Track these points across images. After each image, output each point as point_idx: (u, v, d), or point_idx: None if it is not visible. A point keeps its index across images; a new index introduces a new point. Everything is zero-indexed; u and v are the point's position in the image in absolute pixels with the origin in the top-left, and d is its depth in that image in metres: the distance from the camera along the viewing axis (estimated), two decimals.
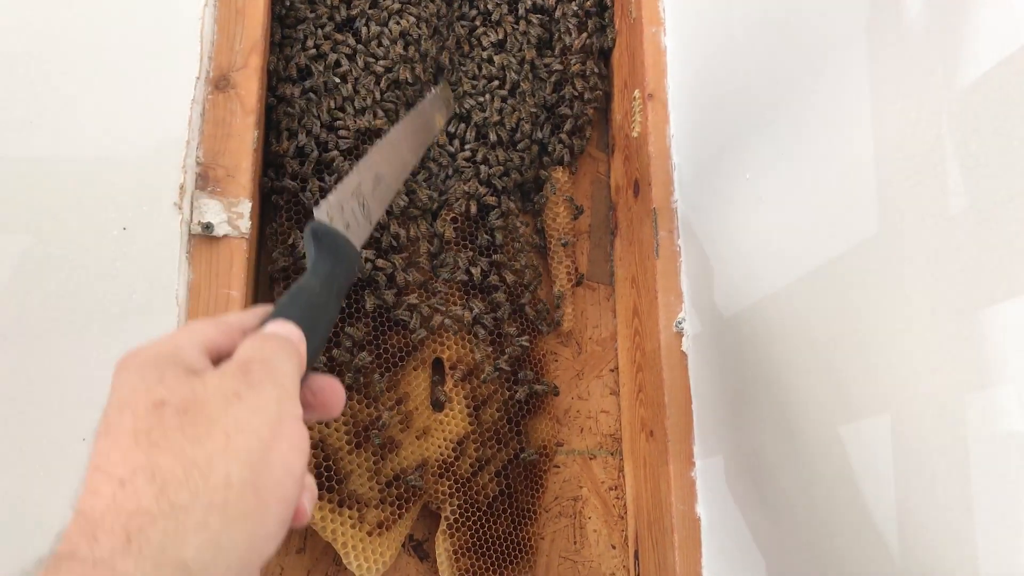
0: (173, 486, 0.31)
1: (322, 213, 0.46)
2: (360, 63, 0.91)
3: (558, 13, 1.02)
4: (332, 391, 0.41)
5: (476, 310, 0.90)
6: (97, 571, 0.29)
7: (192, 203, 0.76)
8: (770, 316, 0.69)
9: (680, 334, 0.84)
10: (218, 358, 0.37)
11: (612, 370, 0.99)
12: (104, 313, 0.70)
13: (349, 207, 0.48)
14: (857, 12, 0.57)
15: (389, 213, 0.87)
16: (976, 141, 0.46)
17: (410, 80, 0.93)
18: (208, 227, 0.75)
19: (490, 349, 0.91)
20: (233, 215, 0.77)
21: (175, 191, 0.75)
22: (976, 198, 0.46)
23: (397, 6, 0.94)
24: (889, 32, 0.54)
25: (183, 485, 0.31)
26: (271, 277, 0.87)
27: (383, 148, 0.55)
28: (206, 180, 0.77)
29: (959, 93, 0.47)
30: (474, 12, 1.01)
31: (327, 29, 0.92)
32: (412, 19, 0.94)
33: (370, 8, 0.93)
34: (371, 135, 0.89)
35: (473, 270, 0.91)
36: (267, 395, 0.35)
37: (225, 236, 0.76)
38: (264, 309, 0.41)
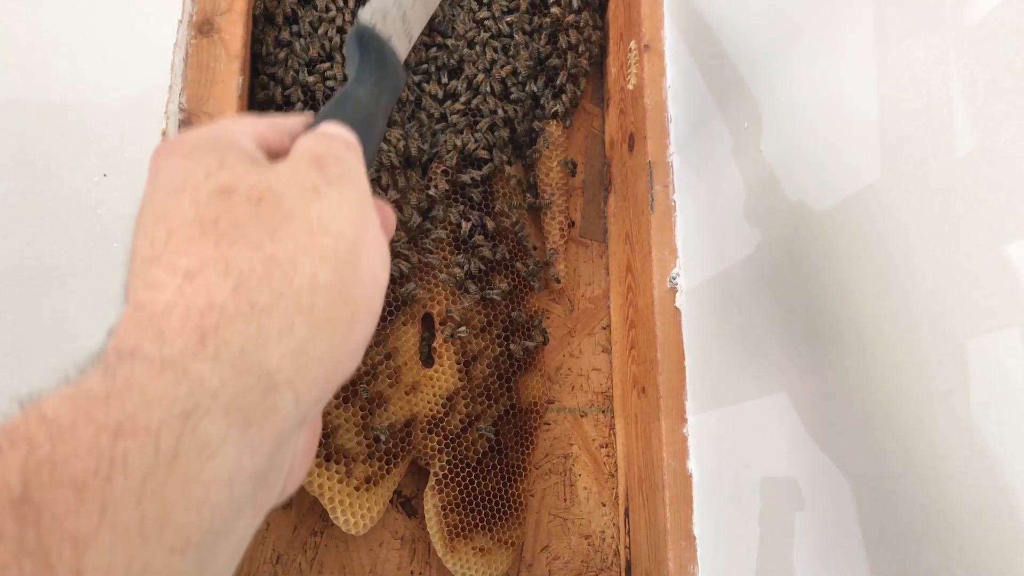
0: (252, 283, 0.26)
1: (367, 17, 0.41)
2: (350, 8, 0.89)
3: None
4: (388, 213, 0.36)
5: (467, 265, 0.89)
6: (166, 373, 0.24)
7: None
8: (766, 269, 0.68)
9: (674, 290, 0.82)
10: (269, 155, 0.32)
11: (604, 328, 0.98)
12: (85, 260, 0.69)
13: (392, 16, 0.43)
14: None
15: (380, 165, 0.85)
16: (984, 79, 0.44)
17: None
18: None
19: (480, 306, 0.90)
20: None
21: (157, 137, 0.73)
22: (983, 137, 0.44)
23: None
24: None
25: (264, 283, 0.27)
26: None
27: None
28: (189, 127, 0.75)
29: (967, 30, 0.46)
30: None
31: None
32: None
33: None
34: None
35: (464, 224, 0.89)
36: (348, 194, 0.30)
37: None
38: (306, 115, 0.36)
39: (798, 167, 0.64)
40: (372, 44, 0.41)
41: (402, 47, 0.43)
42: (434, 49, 0.95)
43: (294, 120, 0.35)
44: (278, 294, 0.27)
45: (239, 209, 0.28)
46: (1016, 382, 0.42)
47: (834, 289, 0.58)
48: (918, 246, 0.49)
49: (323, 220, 0.29)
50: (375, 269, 0.31)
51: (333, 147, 0.32)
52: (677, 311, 0.82)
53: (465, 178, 0.90)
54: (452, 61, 0.95)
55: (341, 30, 0.89)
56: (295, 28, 0.87)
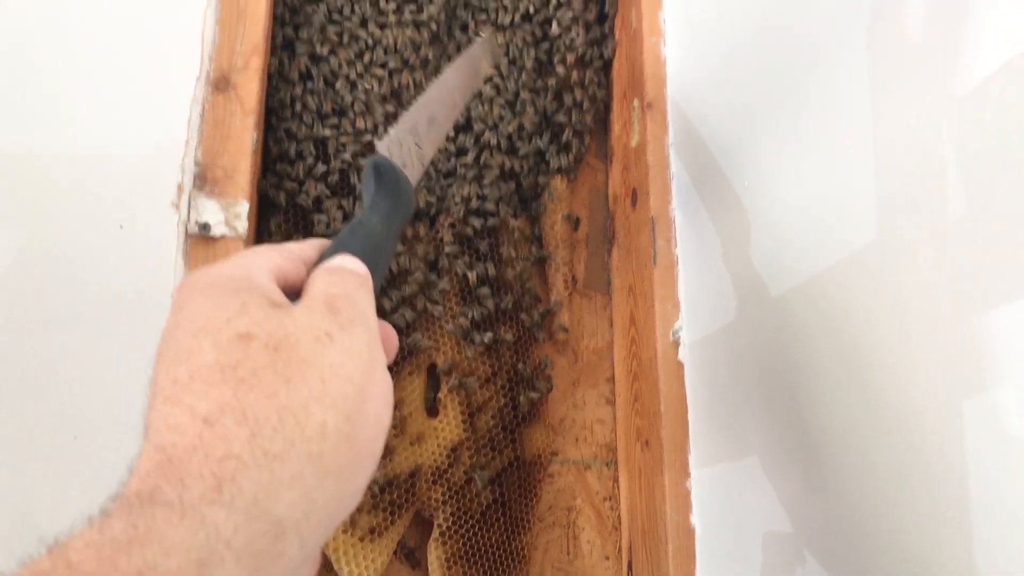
0: (267, 432, 0.28)
1: (384, 148, 0.45)
2: (361, 67, 0.92)
3: (556, 25, 1.02)
4: (390, 336, 0.38)
5: (472, 315, 0.90)
6: (185, 520, 0.26)
7: (190, 203, 0.76)
8: (767, 325, 0.69)
9: (677, 343, 0.83)
10: (286, 289, 0.34)
11: (608, 380, 0.99)
12: (98, 311, 0.70)
13: (407, 145, 0.46)
14: (857, 20, 0.58)
15: None
16: (975, 146, 0.46)
17: (411, 85, 0.93)
18: (205, 227, 0.75)
19: (486, 357, 0.91)
20: (230, 216, 0.77)
21: (173, 191, 0.75)
22: (975, 203, 0.46)
23: (396, 17, 0.94)
24: (889, 39, 0.54)
25: (277, 432, 0.28)
26: None
27: (437, 89, 0.53)
28: (204, 181, 0.77)
29: (959, 99, 0.47)
30: (473, 21, 1.02)
31: (329, 34, 0.92)
32: (413, 27, 0.94)
33: (372, 14, 0.94)
34: (368, 143, 0.89)
35: (470, 275, 0.91)
36: (359, 338, 0.32)
37: (222, 237, 0.76)
38: (321, 242, 0.38)
39: (798, 225, 0.65)
40: (387, 173, 0.44)
41: (415, 172, 0.46)
42: None
43: (310, 248, 0.38)
44: (291, 443, 0.28)
45: (258, 356, 0.29)
46: (1009, 440, 0.43)
47: (833, 346, 0.59)
48: (913, 307, 0.51)
49: (334, 367, 0.31)
50: (380, 412, 0.32)
51: (346, 286, 0.34)
52: (680, 364, 0.83)
53: (468, 230, 0.92)
54: (461, 118, 0.97)
55: (353, 85, 0.91)
56: (309, 85, 0.90)
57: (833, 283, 0.59)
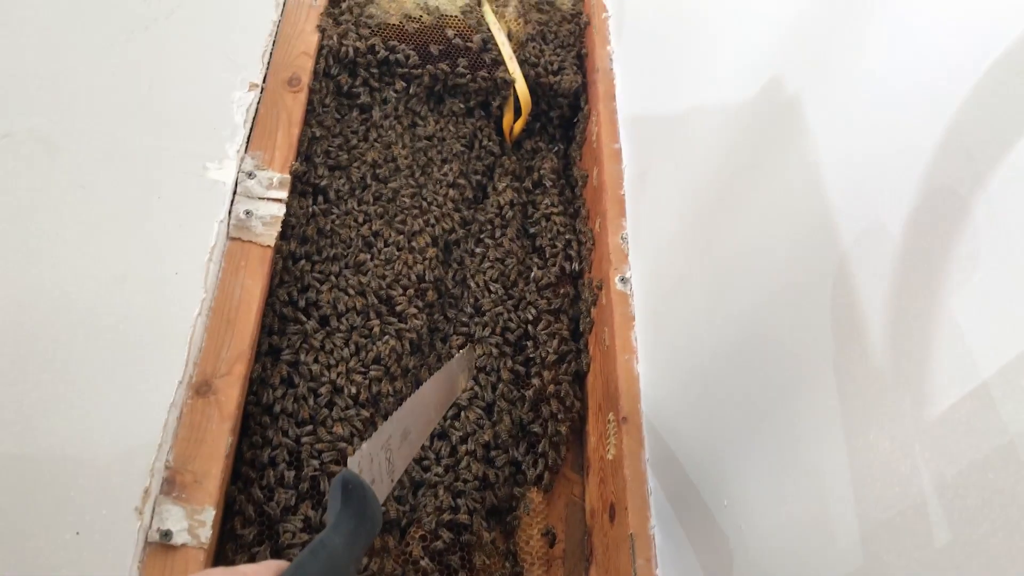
0: None
1: (354, 463, 0.44)
2: (347, 364, 0.94)
3: (533, 335, 1.07)
4: None
5: None
6: None
7: (154, 508, 0.73)
8: None
9: None
10: None
11: None
12: None
13: (378, 460, 0.46)
14: (822, 342, 0.61)
15: None
16: (951, 472, 0.47)
17: (391, 393, 0.94)
18: (167, 535, 0.72)
19: None
20: (195, 523, 0.73)
21: (139, 495, 0.72)
22: (959, 531, 0.45)
23: (379, 331, 0.98)
24: (855, 362, 0.57)
25: None
26: None
27: (412, 403, 0.54)
28: (172, 485, 0.75)
29: (928, 424, 0.49)
30: (452, 331, 1.07)
31: (316, 342, 0.95)
32: (395, 342, 0.98)
33: (359, 324, 0.98)
34: (343, 450, 0.88)
35: None
36: None
37: (183, 545, 0.72)
38: (278, 565, 0.37)
39: (781, 552, 0.63)
40: (355, 490, 0.44)
41: (384, 488, 0.47)
42: None
43: (265, 571, 0.37)
44: None
45: None
46: None
47: None
48: None
49: None
50: None
51: None
52: None
53: (439, 544, 0.88)
54: (440, 427, 0.98)
55: (338, 390, 0.92)
56: (290, 391, 0.91)
57: None
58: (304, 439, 0.88)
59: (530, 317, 1.09)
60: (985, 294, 0.47)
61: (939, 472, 0.48)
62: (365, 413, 0.92)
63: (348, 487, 0.43)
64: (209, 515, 0.74)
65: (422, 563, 0.87)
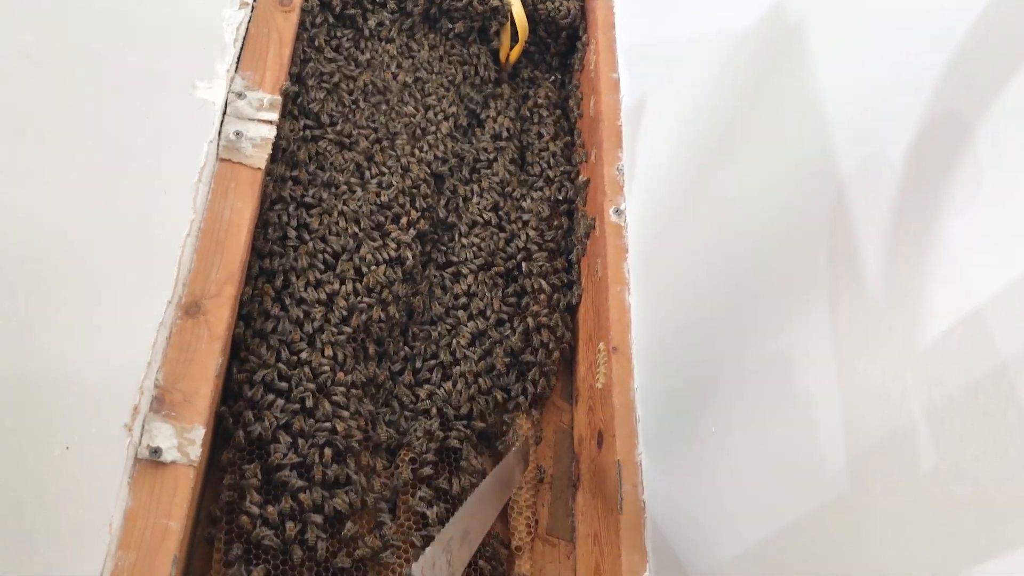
0: None
1: (418, 570, 0.45)
2: (331, 302, 0.93)
3: (525, 268, 1.06)
4: None
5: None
6: None
7: (144, 426, 0.73)
8: None
9: None
10: None
11: None
12: (25, 539, 0.65)
13: (440, 564, 0.47)
14: (817, 271, 0.60)
15: (347, 449, 0.84)
16: (941, 397, 0.47)
17: (383, 319, 0.94)
18: (156, 452, 0.72)
19: None
20: (184, 441, 0.74)
21: (128, 412, 0.72)
22: (947, 454, 0.46)
23: (371, 258, 0.97)
24: (849, 290, 0.57)
25: None
26: (210, 515, 0.82)
27: (473, 503, 0.55)
28: (161, 403, 0.75)
29: (921, 351, 0.49)
30: (445, 259, 1.06)
31: (306, 266, 0.94)
32: (386, 269, 0.97)
33: (350, 249, 0.97)
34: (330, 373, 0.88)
35: (428, 512, 0.87)
36: None
37: (173, 462, 0.73)
38: None
39: (768, 473, 0.64)
40: None
41: None
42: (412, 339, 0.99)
43: None
44: None
45: None
46: None
47: None
48: (891, 562, 0.49)
49: None
50: None
51: None
52: None
53: (428, 468, 0.89)
54: (429, 351, 0.98)
55: (329, 314, 0.92)
56: (281, 313, 0.90)
57: (809, 535, 0.57)
58: (295, 361, 0.87)
59: (522, 247, 1.08)
60: (985, 220, 0.47)
61: (929, 398, 0.48)
62: (357, 338, 0.92)
63: None
64: (199, 434, 0.74)
65: (411, 484, 0.88)
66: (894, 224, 0.54)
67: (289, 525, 0.78)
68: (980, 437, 0.43)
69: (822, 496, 0.56)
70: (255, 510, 0.78)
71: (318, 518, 0.79)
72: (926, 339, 0.48)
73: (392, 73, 1.16)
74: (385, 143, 1.09)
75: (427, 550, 0.46)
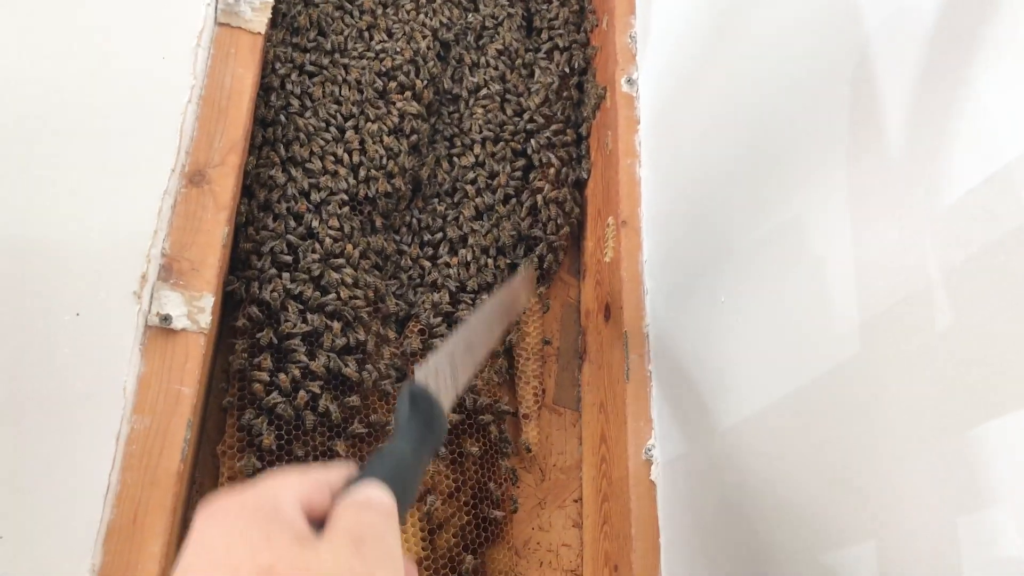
0: None
1: (421, 376, 0.45)
2: (337, 173, 0.92)
3: (533, 142, 1.04)
4: (412, 573, 0.38)
5: None
6: None
7: (152, 294, 0.73)
8: (743, 443, 0.67)
9: (649, 462, 0.81)
10: (311, 517, 0.34)
11: (576, 500, 0.95)
12: (43, 402, 0.66)
13: (443, 372, 0.47)
14: (836, 133, 0.59)
15: (356, 319, 0.84)
16: (960, 258, 0.46)
17: (389, 191, 0.93)
18: (166, 319, 0.72)
19: (449, 471, 0.87)
20: (194, 309, 0.74)
21: (136, 280, 0.72)
22: (962, 314, 0.45)
23: (376, 128, 0.95)
24: (869, 152, 0.55)
25: None
26: (229, 375, 0.83)
27: (477, 317, 0.55)
28: (169, 272, 0.75)
29: (941, 212, 0.48)
30: (452, 132, 1.04)
31: (310, 135, 0.92)
32: (391, 140, 0.95)
33: (355, 116, 0.95)
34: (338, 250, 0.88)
35: None
36: None
37: (183, 330, 0.73)
38: (348, 467, 0.38)
39: (777, 339, 0.64)
40: (423, 402, 0.44)
41: (449, 399, 0.47)
42: (419, 213, 0.98)
43: (336, 474, 0.37)
44: None
45: None
46: (1006, 562, 0.41)
47: (814, 462, 0.57)
48: (900, 421, 0.49)
49: None
50: None
51: (373, 523, 0.34)
52: (652, 484, 0.80)
53: (437, 339, 0.90)
54: (436, 223, 0.97)
55: (335, 185, 0.90)
56: (288, 183, 0.89)
57: (815, 399, 0.58)
58: (303, 232, 0.87)
59: (529, 119, 1.05)
60: (1018, 76, 0.45)
61: (947, 259, 0.47)
62: (363, 210, 0.91)
63: (415, 398, 0.44)
64: (208, 302, 0.74)
65: (415, 345, 0.89)
66: (921, 80, 0.51)
67: (300, 393, 0.80)
68: (998, 295, 0.43)
69: (831, 359, 0.56)
70: (266, 377, 0.79)
71: (322, 385, 0.81)
72: (949, 199, 0.47)
73: None
74: (389, 8, 1.05)
75: (430, 358, 0.47)
